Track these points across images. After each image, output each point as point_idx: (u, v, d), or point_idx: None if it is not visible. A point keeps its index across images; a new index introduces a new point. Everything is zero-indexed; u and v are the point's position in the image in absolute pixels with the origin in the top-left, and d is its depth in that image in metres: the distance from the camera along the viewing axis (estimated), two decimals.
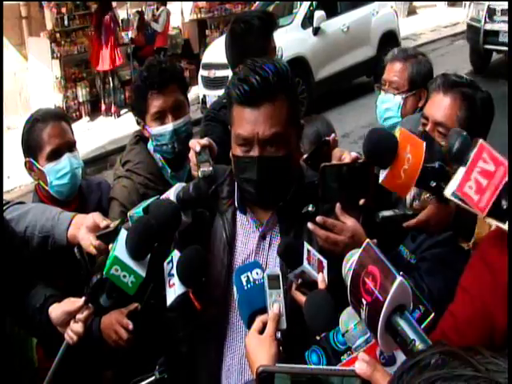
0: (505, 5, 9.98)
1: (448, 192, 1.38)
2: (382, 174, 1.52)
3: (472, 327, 1.42)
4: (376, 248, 1.12)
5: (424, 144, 1.51)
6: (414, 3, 17.76)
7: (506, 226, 1.27)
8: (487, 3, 10.45)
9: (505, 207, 1.26)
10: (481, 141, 1.32)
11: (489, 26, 10.39)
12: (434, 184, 1.55)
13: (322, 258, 1.53)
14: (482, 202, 1.27)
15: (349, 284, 1.14)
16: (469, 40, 11.20)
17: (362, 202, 1.62)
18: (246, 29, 2.73)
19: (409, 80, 2.83)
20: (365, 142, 1.55)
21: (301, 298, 1.49)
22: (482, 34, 10.44)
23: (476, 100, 2.05)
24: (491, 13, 10.43)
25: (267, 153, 1.59)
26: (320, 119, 2.53)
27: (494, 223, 1.28)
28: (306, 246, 1.54)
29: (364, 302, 1.09)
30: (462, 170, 1.34)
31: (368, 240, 1.15)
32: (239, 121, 1.60)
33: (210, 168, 1.81)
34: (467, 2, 18.12)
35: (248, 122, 1.57)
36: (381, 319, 1.05)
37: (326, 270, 1.50)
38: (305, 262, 1.50)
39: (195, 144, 1.93)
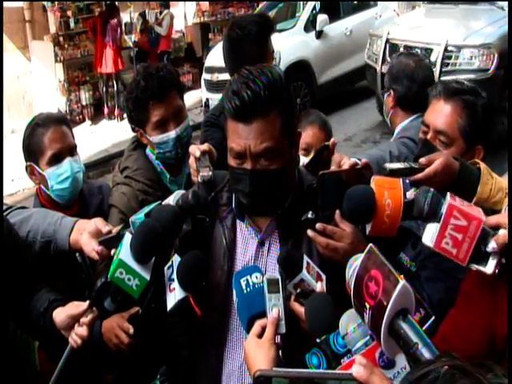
0: (409, 41, 7.64)
1: (426, 240, 1.39)
2: (368, 227, 1.52)
3: (473, 332, 1.42)
4: (379, 252, 1.12)
5: (400, 181, 1.53)
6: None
7: (486, 269, 1.28)
8: (385, 36, 7.94)
9: (483, 250, 1.28)
10: (449, 200, 1.34)
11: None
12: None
13: (320, 272, 1.52)
14: (460, 254, 1.30)
15: (352, 288, 1.14)
16: (370, 84, 8.66)
17: None
18: (243, 35, 2.71)
19: (385, 80, 2.94)
20: (343, 205, 1.54)
21: (299, 309, 1.48)
22: (379, 79, 7.57)
23: (477, 107, 2.04)
24: (392, 50, 7.60)
25: (260, 166, 1.58)
26: (317, 112, 2.56)
27: (475, 268, 1.30)
28: (306, 258, 1.53)
29: (367, 306, 1.09)
30: (434, 225, 1.36)
31: (371, 244, 1.15)
32: (232, 135, 1.60)
33: (210, 173, 1.81)
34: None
35: (240, 136, 1.57)
36: (384, 323, 1.04)
37: (324, 282, 1.50)
38: (304, 271, 1.50)
39: (195, 150, 1.93)
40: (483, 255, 1.29)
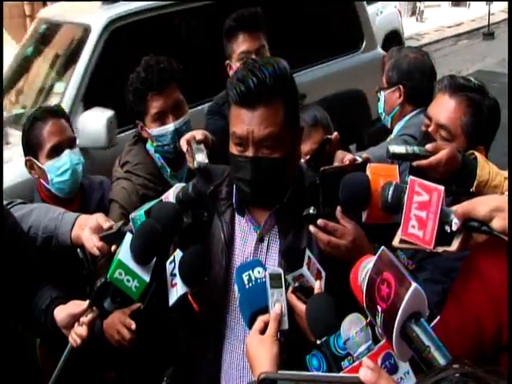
0: None
1: (395, 242, 1.37)
2: (364, 215, 1.52)
3: (462, 336, 1.39)
4: (391, 255, 1.10)
5: (396, 168, 1.53)
6: (418, 3, 17.70)
7: (452, 248, 1.27)
8: None
9: (449, 231, 1.27)
10: (411, 177, 1.33)
11: None
12: None
13: (321, 269, 1.51)
14: (426, 236, 1.28)
15: (364, 291, 1.13)
16: None
17: None
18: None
19: (386, 77, 2.86)
20: (340, 195, 1.53)
21: (295, 302, 1.47)
22: None
23: (482, 107, 2.02)
24: None
25: (262, 154, 1.58)
26: (315, 107, 2.50)
27: (441, 250, 1.29)
28: (308, 253, 1.53)
29: (379, 309, 1.07)
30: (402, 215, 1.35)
31: (383, 247, 1.13)
32: (235, 120, 1.60)
33: (206, 160, 1.81)
34: (471, 2, 18.03)
35: (243, 122, 1.57)
36: (395, 326, 1.03)
37: (323, 281, 1.48)
38: (304, 267, 1.49)
39: (190, 136, 1.95)
40: (448, 237, 1.28)
